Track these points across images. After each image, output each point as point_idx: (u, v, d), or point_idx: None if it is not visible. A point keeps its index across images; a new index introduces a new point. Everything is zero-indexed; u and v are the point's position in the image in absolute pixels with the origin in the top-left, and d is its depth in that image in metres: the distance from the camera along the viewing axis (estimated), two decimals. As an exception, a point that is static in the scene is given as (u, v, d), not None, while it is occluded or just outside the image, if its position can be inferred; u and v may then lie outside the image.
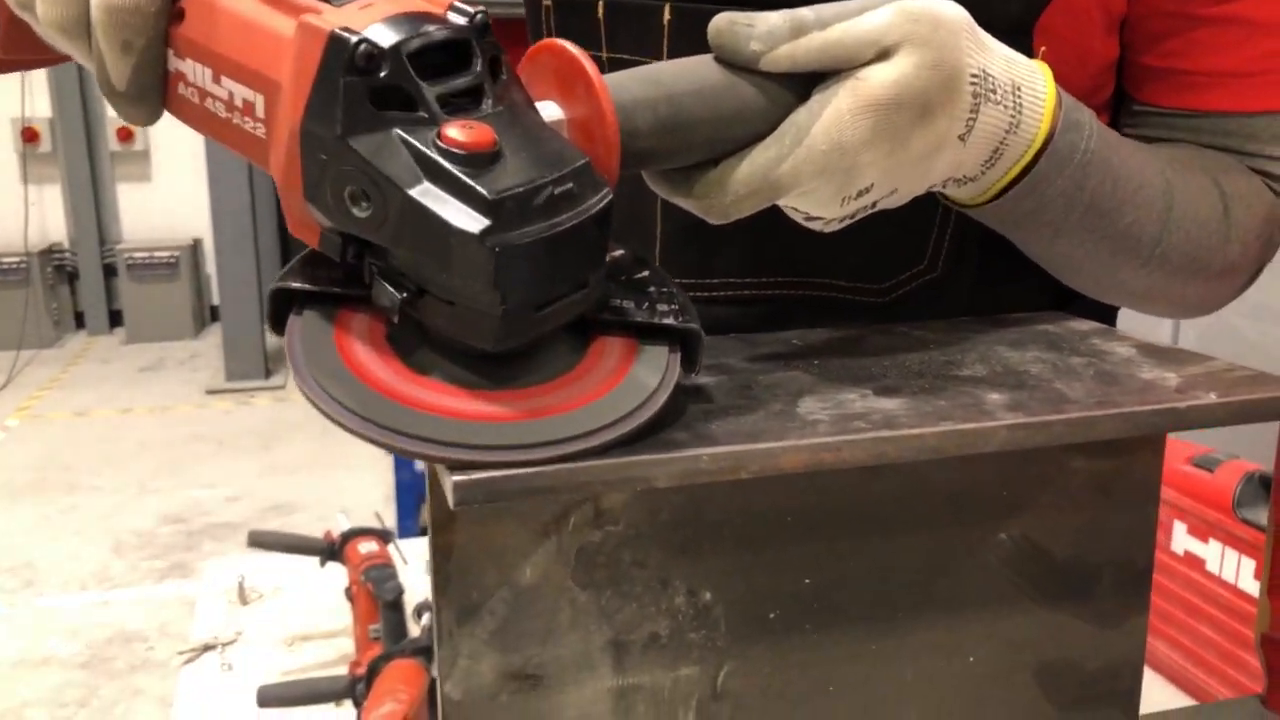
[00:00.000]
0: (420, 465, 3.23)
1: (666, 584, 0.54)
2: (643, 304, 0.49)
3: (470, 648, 0.52)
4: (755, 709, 0.57)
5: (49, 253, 6.48)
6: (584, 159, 0.43)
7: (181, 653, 2.41)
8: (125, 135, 6.51)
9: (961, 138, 0.53)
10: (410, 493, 3.49)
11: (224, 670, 2.34)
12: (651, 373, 0.47)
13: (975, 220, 0.63)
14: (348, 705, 1.97)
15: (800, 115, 0.49)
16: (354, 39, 0.40)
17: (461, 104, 0.42)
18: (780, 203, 0.52)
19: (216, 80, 0.45)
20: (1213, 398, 0.51)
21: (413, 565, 2.46)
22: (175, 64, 0.47)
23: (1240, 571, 2.58)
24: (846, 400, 0.51)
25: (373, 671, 1.77)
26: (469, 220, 0.39)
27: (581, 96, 0.46)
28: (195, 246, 6.54)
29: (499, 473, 0.42)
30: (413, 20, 0.41)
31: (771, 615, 0.56)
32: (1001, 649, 0.60)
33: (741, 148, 0.50)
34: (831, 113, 0.49)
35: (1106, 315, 0.78)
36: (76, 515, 4.03)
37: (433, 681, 1.80)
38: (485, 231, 0.39)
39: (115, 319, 6.62)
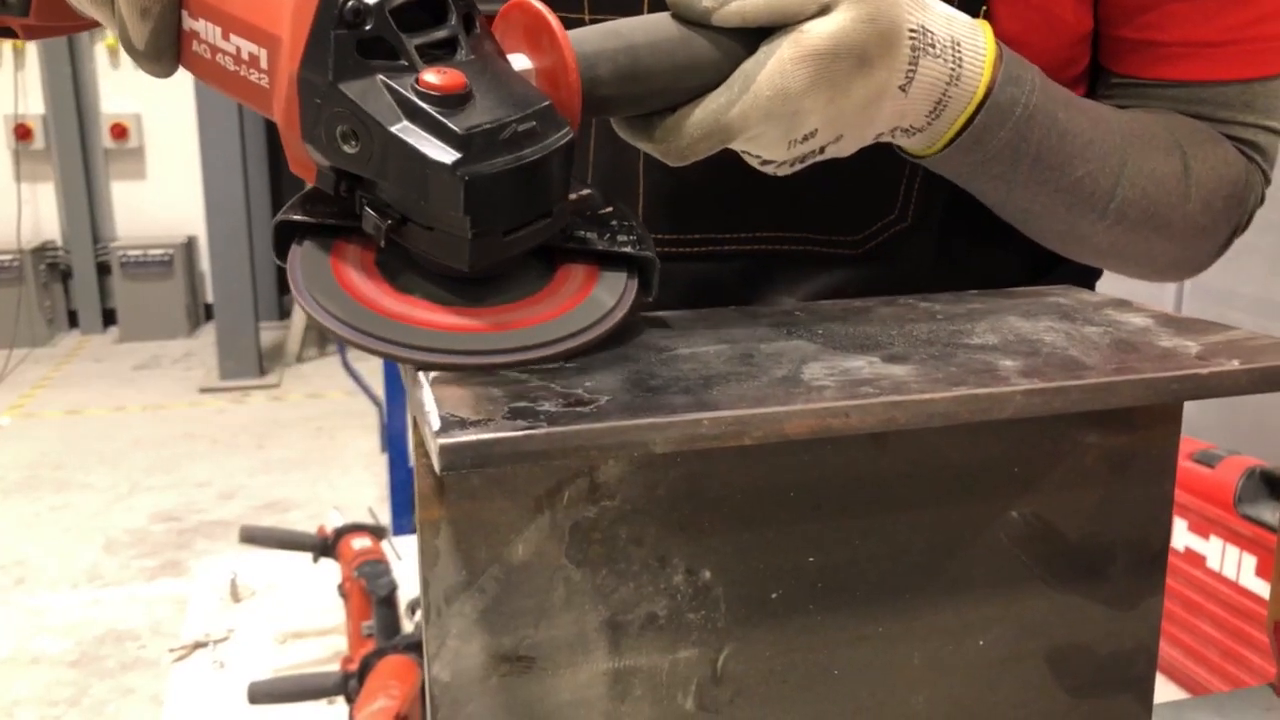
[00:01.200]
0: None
1: (665, 562, 0.52)
2: (604, 234, 0.54)
3: (459, 628, 0.50)
4: (757, 693, 0.54)
5: (42, 250, 6.45)
6: (546, 101, 0.48)
7: (173, 650, 2.38)
8: (119, 133, 6.49)
9: (902, 88, 0.56)
10: (405, 490, 3.46)
11: (216, 668, 2.31)
12: (610, 294, 0.52)
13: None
14: (339, 702, 1.95)
15: (748, 65, 0.53)
16: None
17: (439, 53, 0.48)
18: (733, 146, 0.56)
19: (226, 37, 0.50)
20: (1236, 364, 0.49)
21: (406, 561, 2.44)
22: (189, 23, 0.52)
23: (1241, 567, 2.56)
24: (853, 367, 0.48)
25: (365, 667, 1.75)
26: (442, 153, 0.45)
27: (547, 48, 0.51)
28: (189, 244, 6.52)
29: (488, 435, 0.40)
30: None
31: (774, 595, 0.54)
32: (1012, 632, 0.58)
33: (696, 96, 0.54)
34: (775, 62, 0.52)
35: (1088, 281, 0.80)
36: (69, 513, 4.00)
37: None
38: (456, 163, 0.45)
39: (109, 317, 6.59)
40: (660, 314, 0.59)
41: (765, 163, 0.58)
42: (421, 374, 0.47)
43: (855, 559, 0.54)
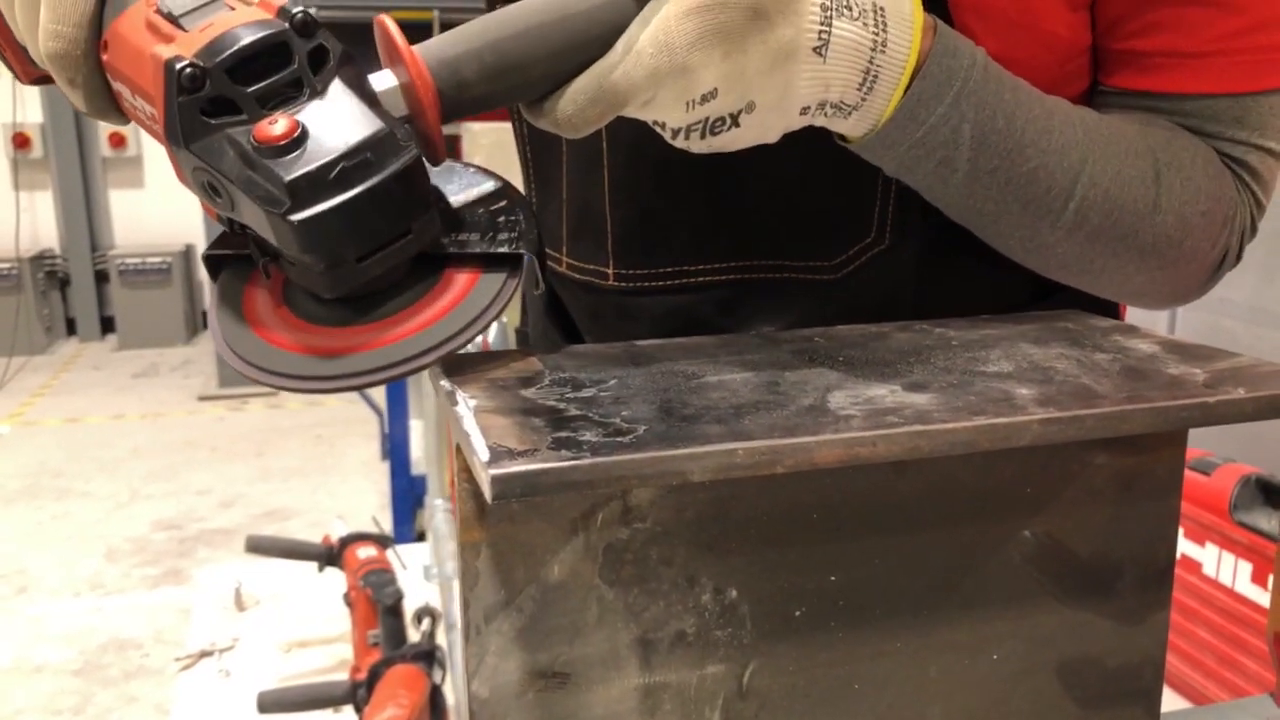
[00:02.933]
0: (418, 470, 3.19)
1: (693, 582, 0.54)
2: (487, 234, 0.56)
3: (498, 645, 0.52)
4: (781, 707, 0.56)
5: (40, 259, 6.46)
6: (380, 129, 0.49)
7: (179, 659, 2.40)
8: (117, 141, 6.50)
9: (817, 50, 0.54)
10: (405, 499, 3.48)
11: (221, 677, 2.33)
12: (482, 299, 0.54)
13: (915, 189, 0.63)
14: (346, 711, 1.97)
15: (633, 28, 0.52)
16: (180, 65, 0.48)
17: (287, 94, 0.50)
18: (632, 114, 0.54)
19: (134, 96, 0.53)
20: (1241, 392, 0.51)
21: (411, 571, 2.45)
22: (115, 84, 0.55)
23: (1237, 575, 2.58)
24: (877, 396, 0.51)
25: (373, 676, 1.77)
26: (274, 202, 0.48)
27: (402, 62, 0.52)
28: (187, 252, 6.53)
29: (536, 466, 0.42)
30: (234, 34, 0.49)
31: (797, 613, 0.56)
32: (1025, 646, 0.60)
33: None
34: (659, 19, 0.51)
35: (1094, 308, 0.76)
36: (69, 521, 4.01)
37: (434, 687, 1.80)
38: (286, 210, 0.48)
39: (107, 325, 6.59)
40: (684, 340, 0.61)
41: (675, 134, 0.56)
42: (463, 403, 0.50)
43: (875, 578, 0.56)
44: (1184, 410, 0.50)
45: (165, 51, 0.49)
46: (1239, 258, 0.72)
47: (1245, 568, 2.56)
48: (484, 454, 0.43)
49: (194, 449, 4.78)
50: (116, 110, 0.57)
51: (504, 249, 0.55)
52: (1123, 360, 0.57)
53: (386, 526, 3.28)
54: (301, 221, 0.48)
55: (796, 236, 0.72)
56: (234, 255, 0.58)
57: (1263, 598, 2.50)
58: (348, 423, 5.01)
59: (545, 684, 0.53)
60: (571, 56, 0.53)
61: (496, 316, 0.54)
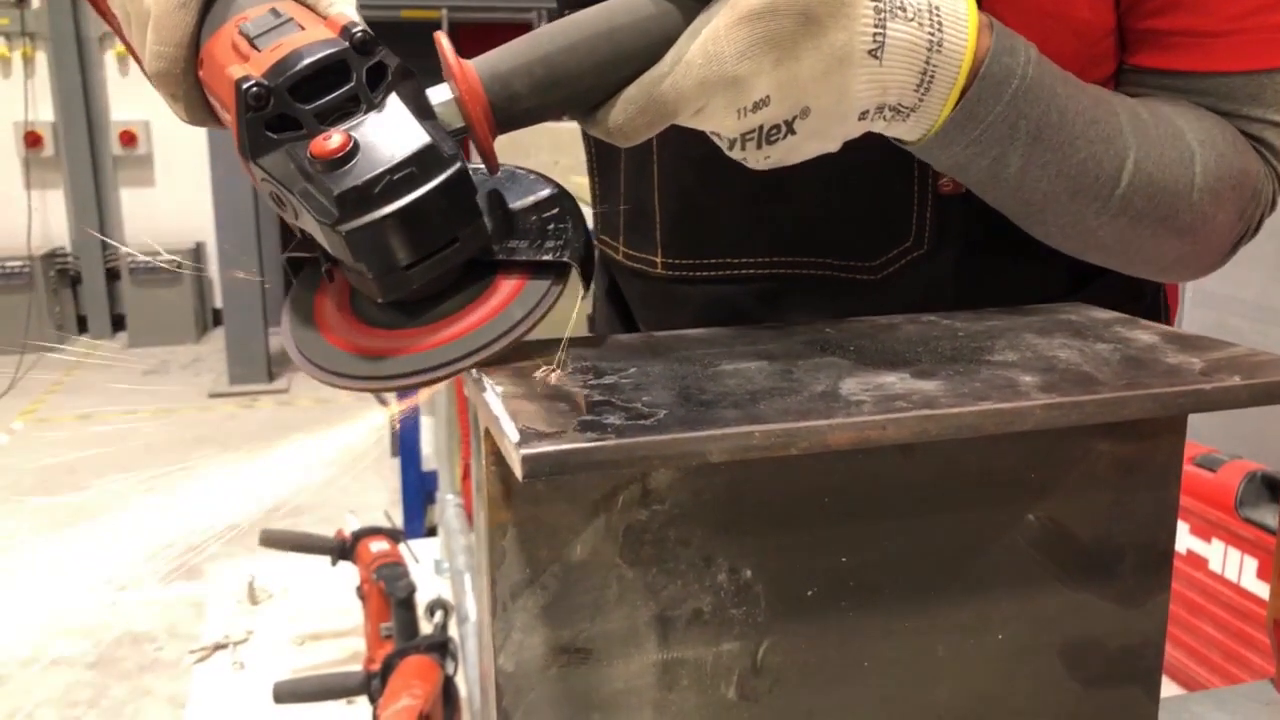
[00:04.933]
0: (428, 465, 3.22)
1: (710, 562, 0.56)
2: (535, 241, 0.58)
3: (523, 622, 0.54)
4: (793, 683, 0.59)
5: (52, 257, 6.50)
6: (426, 144, 0.52)
7: (193, 652, 2.43)
8: (128, 140, 6.53)
9: (873, 54, 0.54)
10: (416, 495, 3.50)
11: (236, 669, 2.35)
12: (523, 307, 0.56)
13: (955, 196, 0.64)
14: (359, 702, 1.99)
15: (683, 39, 0.53)
16: (248, 84, 0.52)
17: (346, 109, 0.53)
18: (685, 123, 0.55)
19: (222, 110, 0.57)
20: (1237, 380, 0.53)
21: (423, 564, 2.48)
22: (209, 98, 0.58)
23: (1243, 570, 2.60)
24: (886, 383, 0.53)
25: (387, 667, 1.79)
26: (325, 213, 0.51)
27: (454, 77, 0.55)
28: (197, 250, 6.56)
29: (564, 446, 0.44)
30: (298, 54, 0.53)
31: (809, 593, 0.58)
32: (1029, 627, 0.62)
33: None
34: (709, 29, 0.52)
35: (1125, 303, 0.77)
36: (83, 517, 4.03)
37: (447, 678, 1.82)
38: (336, 221, 0.51)
39: (118, 323, 6.63)
40: (700, 331, 0.64)
41: (731, 145, 0.57)
42: (490, 390, 0.52)
43: (885, 559, 0.59)
44: (1181, 397, 0.52)
45: (237, 71, 0.53)
46: (1257, 230, 0.73)
47: (1251, 563, 2.57)
48: (514, 435, 0.45)
49: (205, 446, 4.81)
50: (215, 120, 0.60)
51: (548, 257, 0.57)
52: (1123, 350, 0.59)
53: (398, 522, 3.31)
54: (350, 232, 0.51)
55: (837, 237, 0.75)
56: (311, 258, 0.61)
57: (1267, 593, 2.51)
58: (358, 419, 5.03)
59: (568, 659, 0.55)
60: (620, 68, 0.54)
61: (536, 323, 0.55)
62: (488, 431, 0.51)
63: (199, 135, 5.45)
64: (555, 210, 0.60)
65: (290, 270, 0.63)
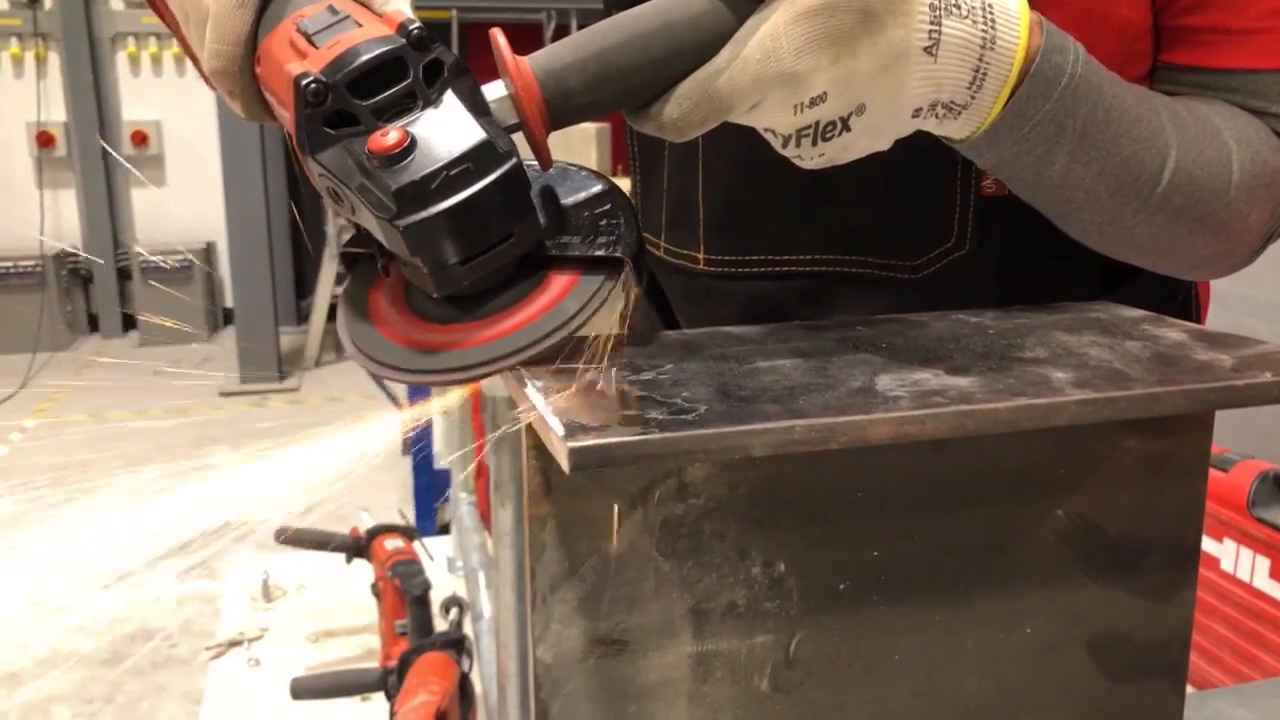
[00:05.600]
0: (441, 464, 3.22)
1: (744, 555, 0.57)
2: (587, 238, 0.58)
3: (561, 614, 0.55)
4: (825, 675, 0.59)
5: (63, 256, 6.52)
6: (482, 140, 0.52)
7: (209, 649, 2.44)
8: (139, 140, 6.56)
9: (929, 50, 0.54)
10: (428, 493, 3.52)
11: (251, 666, 2.37)
12: (577, 301, 0.56)
13: (998, 198, 0.64)
14: (374, 699, 2.00)
15: (741, 33, 0.53)
16: (306, 81, 0.52)
17: (403, 106, 0.54)
18: (739, 120, 0.55)
19: (279, 107, 0.57)
20: (1268, 376, 0.54)
21: (438, 562, 2.49)
22: (266, 95, 0.59)
23: (1255, 570, 2.60)
24: (922, 379, 0.53)
25: (404, 664, 1.80)
26: (383, 208, 0.52)
27: (509, 73, 0.55)
28: (208, 250, 6.58)
29: (610, 439, 0.45)
30: (355, 51, 0.53)
31: (841, 586, 0.59)
32: (1056, 621, 0.63)
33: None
34: (768, 26, 0.52)
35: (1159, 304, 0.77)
36: (97, 515, 4.05)
37: (463, 675, 1.83)
38: (393, 216, 0.52)
39: (129, 322, 6.66)
40: (731, 329, 0.65)
41: (785, 142, 0.57)
42: (531, 386, 0.53)
43: (915, 554, 0.59)
44: (1213, 393, 0.53)
45: (296, 68, 0.53)
46: None
47: (1263, 563, 2.57)
48: (560, 429, 0.46)
49: (217, 444, 4.82)
50: (271, 117, 0.60)
51: (601, 252, 0.58)
52: (1152, 347, 0.60)
53: (410, 520, 3.32)
54: (407, 227, 0.52)
55: (879, 236, 0.75)
56: (366, 253, 0.61)
57: (1281, 593, 2.52)
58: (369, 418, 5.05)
59: (605, 650, 0.56)
60: (675, 64, 0.55)
61: (589, 318, 0.56)
62: (529, 427, 0.52)
63: (210, 135, 5.47)
64: (608, 206, 0.60)
65: (345, 264, 0.64)
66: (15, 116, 6.41)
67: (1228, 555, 2.64)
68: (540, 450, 0.52)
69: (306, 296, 6.50)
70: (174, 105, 6.39)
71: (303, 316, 6.67)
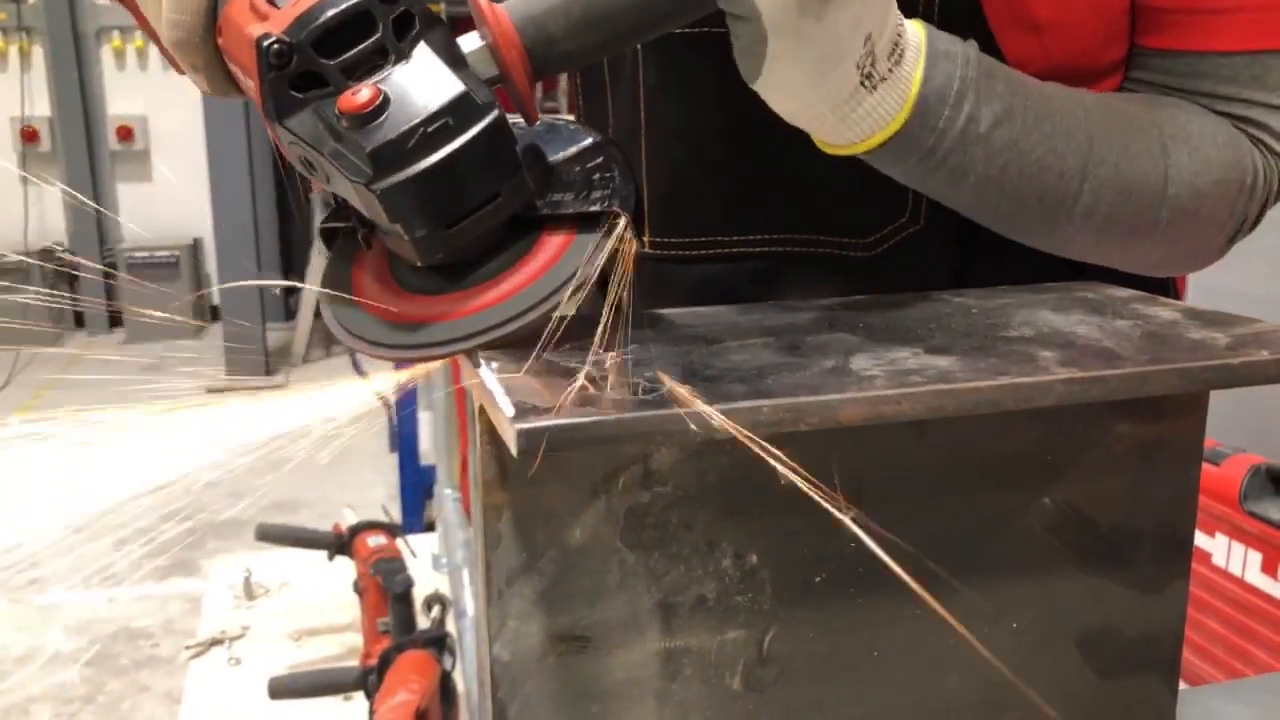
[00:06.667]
0: (427, 460, 3.20)
1: (714, 546, 0.54)
2: (581, 193, 0.55)
3: (519, 608, 0.52)
4: (800, 672, 0.56)
5: (48, 253, 6.47)
6: (460, 92, 0.49)
7: (189, 648, 2.41)
8: (125, 134, 6.51)
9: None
10: (414, 490, 3.48)
11: (232, 665, 2.33)
12: (573, 261, 0.53)
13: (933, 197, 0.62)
14: (356, 698, 1.97)
15: None
16: (268, 42, 0.49)
17: (374, 63, 0.50)
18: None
19: (244, 77, 0.54)
20: (1265, 355, 0.51)
21: (421, 559, 2.46)
22: (230, 66, 0.56)
23: (1247, 564, 2.58)
24: (899, 358, 0.51)
25: (384, 662, 1.77)
26: (358, 172, 0.48)
27: (486, 21, 0.52)
28: (195, 246, 6.53)
29: (561, 420, 0.42)
30: (319, 7, 0.49)
31: (817, 579, 0.56)
32: (1044, 615, 0.60)
33: (679, 21, 0.53)
34: None
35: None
36: (80, 513, 4.01)
37: (444, 673, 1.80)
38: (369, 180, 0.48)
39: (115, 319, 6.61)
40: (703, 309, 0.61)
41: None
42: (485, 365, 0.50)
43: (895, 544, 0.56)
44: (1207, 371, 0.50)
45: (257, 30, 0.50)
46: (1258, 221, 0.70)
47: (1255, 558, 2.55)
48: (509, 410, 0.43)
49: (203, 440, 4.79)
50: (239, 90, 0.57)
51: (596, 207, 0.54)
52: (1144, 326, 0.57)
53: (395, 517, 3.29)
54: (385, 190, 0.48)
55: (829, 213, 0.73)
56: (346, 227, 0.58)
57: (1273, 588, 2.50)
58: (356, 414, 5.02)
59: (566, 647, 0.53)
60: (661, 3, 0.52)
61: (590, 278, 0.52)
62: (482, 409, 0.49)
63: (196, 130, 5.43)
64: (600, 159, 0.57)
65: (324, 241, 0.60)
66: (-1, 111, 6.36)
67: (1219, 550, 2.62)
68: (494, 435, 0.49)
69: (294, 293, 6.46)
70: (160, 100, 6.33)
71: (290, 313, 6.63)
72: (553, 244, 0.54)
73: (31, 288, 6.06)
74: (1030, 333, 0.55)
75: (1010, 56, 0.67)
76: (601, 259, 0.53)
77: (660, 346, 0.53)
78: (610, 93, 0.80)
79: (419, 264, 0.52)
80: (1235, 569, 2.60)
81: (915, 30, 0.56)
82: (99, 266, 6.30)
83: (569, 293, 0.52)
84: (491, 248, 0.54)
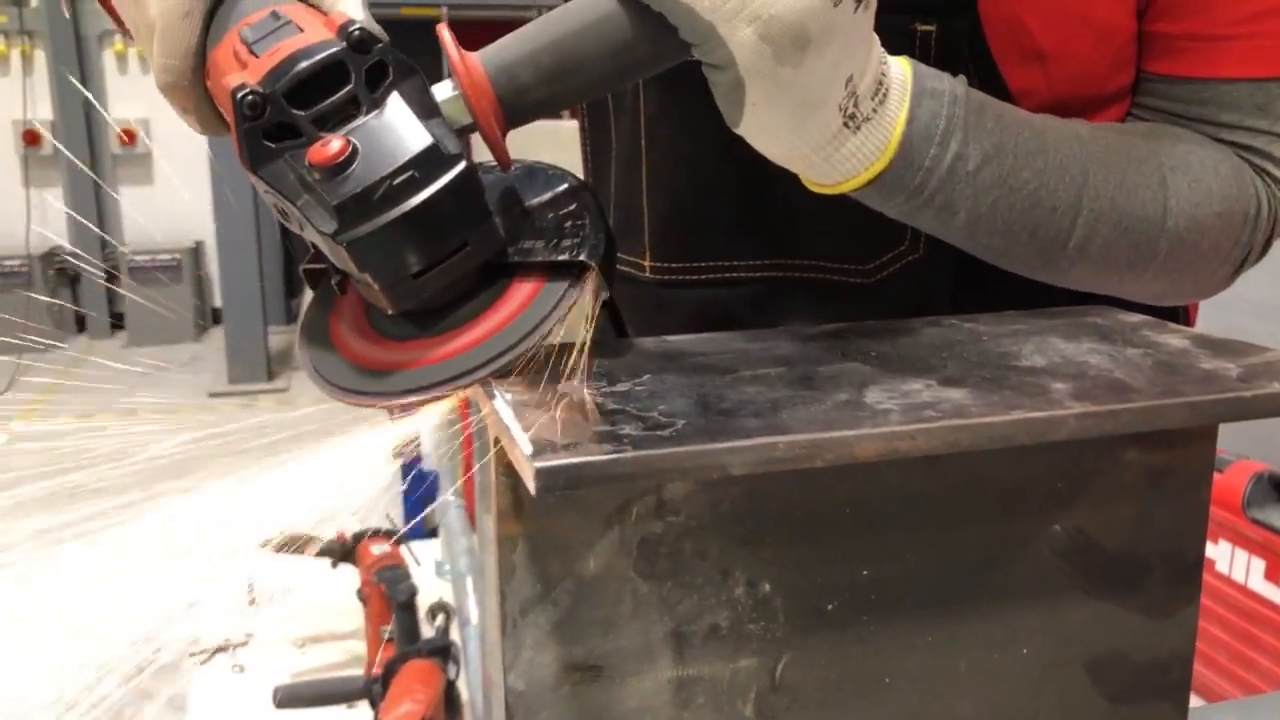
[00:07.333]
0: (429, 465, 3.21)
1: (727, 575, 0.54)
2: (551, 241, 0.55)
3: (534, 638, 0.52)
4: (813, 700, 0.57)
5: (50, 256, 6.47)
6: (427, 144, 0.50)
7: (193, 655, 2.41)
8: (127, 138, 6.51)
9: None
10: (417, 496, 3.48)
11: (236, 672, 2.34)
12: (538, 312, 0.53)
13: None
14: (360, 707, 1.97)
15: None
16: (243, 93, 0.49)
17: (346, 113, 0.51)
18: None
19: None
20: (1277, 387, 0.51)
21: (424, 566, 2.46)
22: (219, 108, 0.56)
23: (1250, 571, 2.58)
24: (912, 390, 0.51)
25: (389, 672, 1.77)
26: (326, 223, 0.49)
27: (456, 71, 0.52)
28: (197, 249, 6.54)
29: (579, 459, 0.42)
30: (293, 59, 0.50)
31: (830, 607, 0.56)
32: (1054, 641, 0.60)
33: (653, 70, 0.53)
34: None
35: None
36: (82, 518, 4.02)
37: (449, 682, 1.80)
38: (335, 232, 0.49)
39: (116, 322, 6.61)
40: (715, 335, 0.62)
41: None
42: (500, 397, 0.50)
43: (907, 572, 0.57)
44: (1219, 405, 0.50)
45: (234, 79, 0.50)
46: (1264, 251, 0.70)
47: (1258, 565, 2.55)
48: (527, 447, 0.43)
49: (205, 445, 4.79)
50: (229, 130, 0.57)
51: (564, 257, 0.54)
52: (1155, 355, 0.57)
53: (398, 523, 3.28)
54: (351, 242, 0.49)
55: (829, 240, 0.73)
56: (325, 269, 0.58)
57: (1276, 595, 2.50)
58: (357, 421, 5.02)
59: (580, 677, 0.53)
60: (633, 51, 0.52)
61: (554, 328, 0.53)
62: (498, 440, 0.49)
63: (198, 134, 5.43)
64: (573, 206, 0.57)
65: (308, 282, 0.60)
66: (1, 115, 6.36)
67: (1223, 557, 2.62)
68: (510, 466, 0.49)
69: (295, 296, 6.46)
70: (162, 103, 6.30)
71: (292, 316, 6.63)
72: (522, 291, 0.54)
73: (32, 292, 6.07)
74: (1042, 362, 0.56)
75: (1014, 87, 0.67)
76: (567, 309, 0.53)
77: (674, 376, 0.53)
78: (614, 119, 0.81)
79: (390, 311, 0.53)
80: (1239, 576, 2.60)
81: (901, 68, 0.56)
82: (101, 267, 6.31)
83: (532, 342, 0.53)
84: (464, 294, 0.54)
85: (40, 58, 6.33)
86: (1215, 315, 0.86)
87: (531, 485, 0.42)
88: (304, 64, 0.50)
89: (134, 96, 6.45)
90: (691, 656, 0.54)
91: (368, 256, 0.50)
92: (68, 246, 6.51)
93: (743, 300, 0.77)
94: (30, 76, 6.37)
